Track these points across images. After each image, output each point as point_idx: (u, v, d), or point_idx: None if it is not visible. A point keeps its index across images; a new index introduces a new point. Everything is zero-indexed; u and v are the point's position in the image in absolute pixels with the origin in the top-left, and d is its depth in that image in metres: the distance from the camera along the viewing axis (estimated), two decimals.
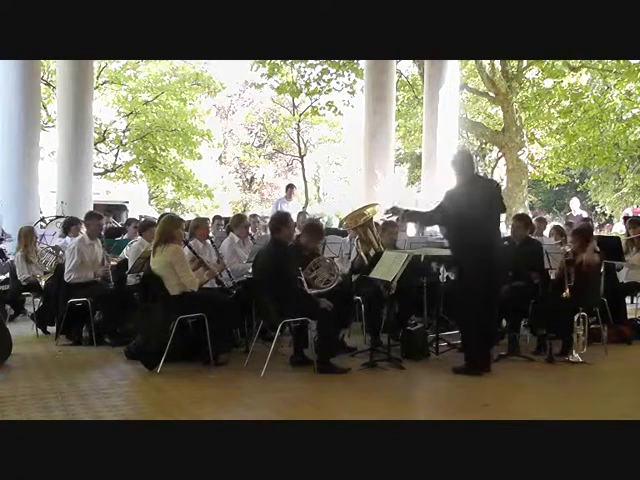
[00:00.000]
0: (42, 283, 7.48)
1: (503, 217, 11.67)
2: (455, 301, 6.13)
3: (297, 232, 7.22)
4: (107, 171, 21.63)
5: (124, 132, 21.31)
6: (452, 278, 6.77)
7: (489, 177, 19.78)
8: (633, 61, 15.34)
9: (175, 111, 20.96)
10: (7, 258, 8.72)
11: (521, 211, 16.17)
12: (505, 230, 9.42)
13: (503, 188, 18.31)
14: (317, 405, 4.73)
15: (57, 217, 11.32)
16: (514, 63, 17.33)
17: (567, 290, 6.10)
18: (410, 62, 19.76)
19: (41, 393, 4.84)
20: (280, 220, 5.94)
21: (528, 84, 18.29)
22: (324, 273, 6.25)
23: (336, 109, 17.90)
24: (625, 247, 7.94)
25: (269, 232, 6.34)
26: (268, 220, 10.77)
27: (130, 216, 14.59)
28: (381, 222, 7.40)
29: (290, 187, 12.61)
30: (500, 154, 21.14)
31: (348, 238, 8.39)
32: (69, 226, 8.43)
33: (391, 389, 5.27)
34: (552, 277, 6.70)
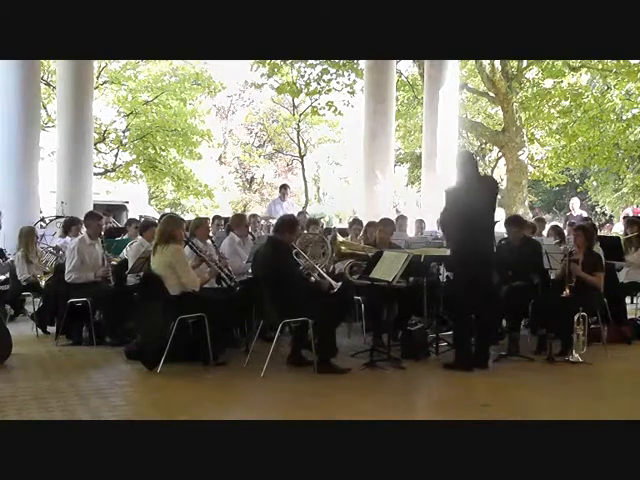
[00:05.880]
0: (42, 283, 7.48)
1: (503, 216, 11.68)
2: (447, 298, 6.31)
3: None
4: (107, 171, 21.63)
5: (124, 132, 21.31)
6: (452, 278, 6.78)
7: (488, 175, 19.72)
8: (633, 61, 15.33)
9: (175, 111, 20.97)
10: (7, 258, 8.71)
11: (521, 211, 16.17)
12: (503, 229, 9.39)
13: (503, 188, 18.35)
14: (317, 405, 4.72)
15: (57, 217, 11.32)
16: (514, 63, 17.32)
17: (567, 290, 6.10)
18: (410, 62, 19.77)
19: (41, 393, 4.84)
20: (288, 224, 5.92)
21: (528, 84, 18.27)
22: (317, 248, 6.24)
23: (336, 109, 17.89)
24: (624, 247, 7.94)
25: (272, 230, 6.33)
26: (268, 221, 10.80)
27: (130, 216, 14.58)
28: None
29: (284, 187, 12.40)
30: (500, 154, 21.12)
31: (349, 238, 8.40)
32: (69, 226, 8.42)
33: (391, 389, 5.28)
34: (552, 277, 6.70)
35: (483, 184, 6.04)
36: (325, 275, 6.10)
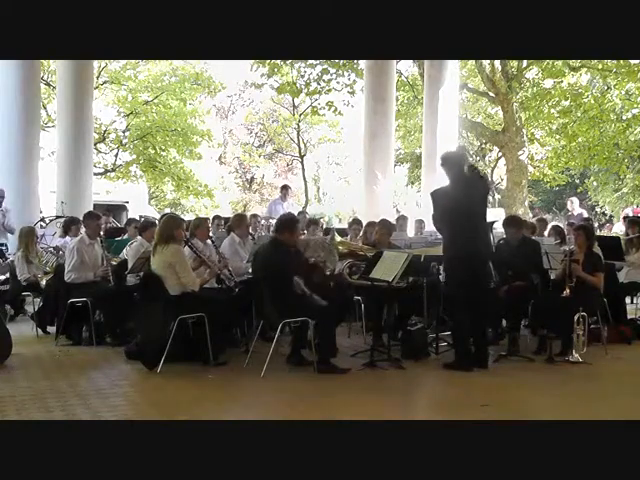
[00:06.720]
0: (42, 283, 7.48)
1: (503, 216, 11.69)
2: (445, 297, 6.30)
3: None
4: (107, 171, 21.64)
5: (124, 132, 21.31)
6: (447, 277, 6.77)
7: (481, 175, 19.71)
8: (633, 61, 15.33)
9: (175, 111, 20.96)
10: (7, 258, 8.71)
11: (521, 211, 16.17)
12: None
13: (503, 188, 18.35)
14: (317, 405, 4.72)
15: (57, 217, 11.31)
16: (514, 63, 17.33)
17: (567, 290, 6.10)
18: (410, 62, 19.76)
19: (41, 393, 4.84)
20: (287, 224, 5.91)
21: (528, 84, 18.28)
22: (318, 251, 6.22)
23: (336, 109, 17.89)
24: (624, 247, 7.94)
25: (272, 231, 6.30)
26: (269, 221, 10.79)
27: (130, 216, 14.58)
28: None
29: (285, 188, 12.41)
30: (500, 154, 21.12)
31: (348, 238, 8.41)
32: (69, 226, 8.43)
33: (391, 389, 5.28)
34: (552, 277, 6.70)
35: (470, 182, 6.02)
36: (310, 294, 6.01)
